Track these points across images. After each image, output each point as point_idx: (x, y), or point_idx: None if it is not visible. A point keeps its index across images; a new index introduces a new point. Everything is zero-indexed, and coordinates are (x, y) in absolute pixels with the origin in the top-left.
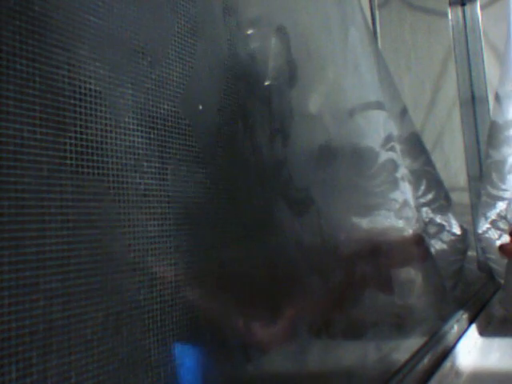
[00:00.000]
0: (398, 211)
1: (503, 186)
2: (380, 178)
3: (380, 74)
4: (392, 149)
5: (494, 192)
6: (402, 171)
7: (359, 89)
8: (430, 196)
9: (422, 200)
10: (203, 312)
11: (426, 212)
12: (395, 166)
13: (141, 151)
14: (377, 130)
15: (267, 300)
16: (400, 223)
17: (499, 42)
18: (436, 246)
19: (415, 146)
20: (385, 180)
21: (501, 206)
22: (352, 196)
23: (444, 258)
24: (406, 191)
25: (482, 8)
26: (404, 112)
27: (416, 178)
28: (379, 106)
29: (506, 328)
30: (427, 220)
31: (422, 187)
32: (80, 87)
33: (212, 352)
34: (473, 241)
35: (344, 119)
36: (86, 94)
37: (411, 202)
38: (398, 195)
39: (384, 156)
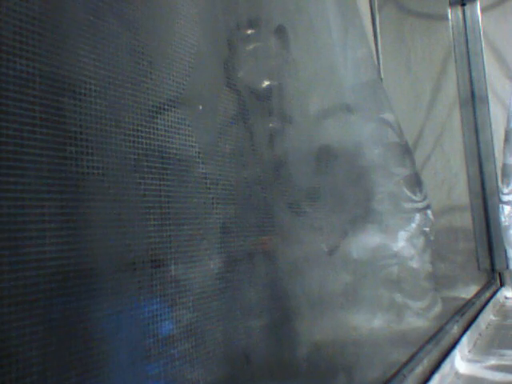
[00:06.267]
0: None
1: (503, 189)
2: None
3: (372, 82)
4: (380, 155)
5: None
6: (395, 177)
7: (344, 94)
8: (429, 199)
9: (424, 203)
10: None
11: (430, 214)
12: (386, 172)
13: (141, 151)
14: (364, 135)
15: None
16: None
17: (499, 42)
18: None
19: (406, 153)
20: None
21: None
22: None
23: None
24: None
25: (481, 8)
26: (395, 120)
27: (414, 182)
28: (364, 112)
29: (505, 328)
30: (433, 220)
31: (423, 191)
32: (80, 87)
33: None
34: (472, 241)
35: (334, 123)
36: (85, 94)
37: (406, 207)
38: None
39: (373, 162)
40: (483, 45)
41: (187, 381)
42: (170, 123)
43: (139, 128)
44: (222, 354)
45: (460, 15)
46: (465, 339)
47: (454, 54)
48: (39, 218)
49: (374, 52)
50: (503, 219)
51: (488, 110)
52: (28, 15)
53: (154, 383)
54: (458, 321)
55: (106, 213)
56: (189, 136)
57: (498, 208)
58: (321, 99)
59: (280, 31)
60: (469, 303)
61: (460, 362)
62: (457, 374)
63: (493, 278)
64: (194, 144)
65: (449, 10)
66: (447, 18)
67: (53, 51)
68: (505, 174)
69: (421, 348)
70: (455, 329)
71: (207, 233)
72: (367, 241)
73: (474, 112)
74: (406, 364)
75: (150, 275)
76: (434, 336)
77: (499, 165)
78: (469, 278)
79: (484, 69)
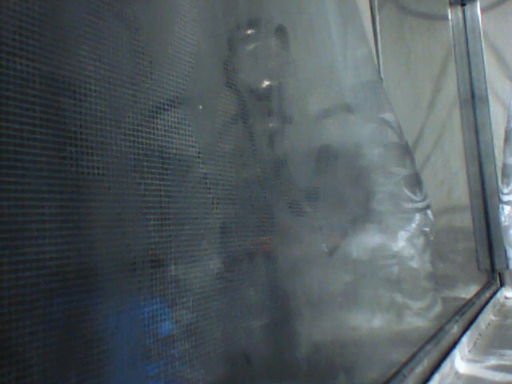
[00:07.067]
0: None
1: (503, 189)
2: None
3: (372, 82)
4: (380, 155)
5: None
6: (395, 177)
7: (344, 96)
8: (429, 199)
9: (424, 203)
10: None
11: (430, 214)
12: (386, 173)
13: (141, 151)
14: (364, 135)
15: None
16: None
17: (499, 42)
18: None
19: (406, 153)
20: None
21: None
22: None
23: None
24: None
25: (481, 8)
26: (395, 120)
27: (414, 182)
28: (364, 112)
29: (505, 328)
30: (433, 220)
31: (423, 191)
32: (80, 87)
33: None
34: (472, 241)
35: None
36: (85, 94)
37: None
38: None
39: (374, 163)
40: (483, 45)
41: (187, 381)
42: (170, 123)
43: (139, 128)
44: (222, 353)
45: (460, 15)
46: (465, 339)
47: (454, 54)
48: (39, 217)
49: (374, 52)
50: (503, 219)
51: (488, 110)
52: (28, 15)
53: (154, 383)
54: (457, 321)
55: (106, 213)
56: (189, 136)
57: (498, 208)
58: (321, 99)
59: (280, 31)
60: (469, 303)
61: (460, 362)
62: (457, 374)
63: (493, 278)
64: (194, 144)
65: (449, 10)
66: (447, 18)
67: (53, 51)
68: (505, 174)
69: (421, 348)
70: (455, 329)
71: (207, 233)
72: (367, 241)
73: (474, 112)
74: (405, 364)
75: (150, 275)
76: (434, 336)
77: (499, 165)
78: (469, 278)
79: (484, 69)
